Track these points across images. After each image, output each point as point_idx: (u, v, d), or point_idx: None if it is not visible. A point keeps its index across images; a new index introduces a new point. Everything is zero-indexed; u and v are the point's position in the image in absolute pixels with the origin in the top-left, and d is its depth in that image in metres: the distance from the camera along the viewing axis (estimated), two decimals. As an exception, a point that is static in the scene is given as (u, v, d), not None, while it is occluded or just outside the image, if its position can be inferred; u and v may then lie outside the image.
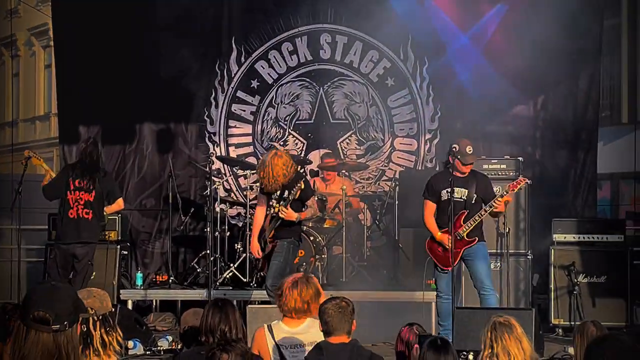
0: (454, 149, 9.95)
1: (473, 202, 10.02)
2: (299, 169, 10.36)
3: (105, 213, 10.88)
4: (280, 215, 9.99)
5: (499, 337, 5.68)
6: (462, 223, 9.94)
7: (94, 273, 11.82)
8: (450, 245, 9.79)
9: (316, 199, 11.42)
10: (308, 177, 12.75)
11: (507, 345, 5.64)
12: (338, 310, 6.04)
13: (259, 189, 10.71)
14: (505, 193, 9.96)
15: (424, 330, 6.54)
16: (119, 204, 11.01)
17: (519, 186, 10.05)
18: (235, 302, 11.52)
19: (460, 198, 9.97)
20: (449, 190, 9.83)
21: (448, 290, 9.95)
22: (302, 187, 9.94)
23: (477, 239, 9.99)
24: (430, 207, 10.12)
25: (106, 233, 12.37)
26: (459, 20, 13.18)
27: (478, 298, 10.10)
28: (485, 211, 9.94)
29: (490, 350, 5.68)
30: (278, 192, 10.10)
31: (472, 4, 13.30)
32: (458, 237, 9.91)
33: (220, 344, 4.85)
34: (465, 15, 13.18)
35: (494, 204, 9.89)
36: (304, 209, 10.12)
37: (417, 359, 5.79)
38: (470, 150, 9.95)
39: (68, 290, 3.68)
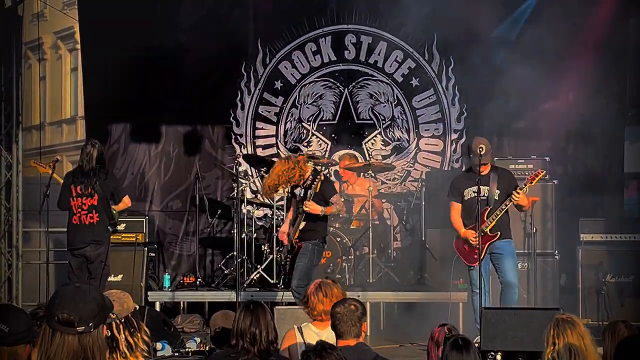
0: (470, 146, 10.08)
1: (496, 197, 10.08)
2: (322, 169, 10.35)
3: (114, 211, 10.87)
4: (305, 208, 10.01)
5: (562, 334, 5.65)
6: (484, 219, 10.01)
7: (120, 275, 11.94)
8: (475, 242, 9.87)
9: (342, 200, 11.42)
10: (333, 178, 12.77)
11: (570, 342, 5.62)
12: (347, 313, 6.06)
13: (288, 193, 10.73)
14: (524, 186, 10.02)
15: (457, 330, 6.53)
16: (125, 202, 10.96)
17: (536, 178, 10.06)
18: (262, 304, 11.55)
19: (483, 195, 10.01)
20: (471, 189, 9.99)
21: (483, 285, 9.97)
22: (318, 186, 9.99)
23: (499, 233, 10.03)
24: (456, 207, 10.23)
25: (134, 235, 12.46)
26: (485, 20, 13.12)
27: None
28: (506, 205, 10.02)
29: (553, 347, 5.66)
30: (302, 193, 10.15)
31: (500, 3, 13.24)
32: (482, 233, 9.95)
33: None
34: (492, 14, 13.11)
35: (513, 197, 9.96)
36: (328, 205, 10.15)
37: (440, 359, 5.78)
38: (481, 150, 9.94)
39: (92, 292, 3.68)
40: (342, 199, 11.52)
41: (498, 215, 10.01)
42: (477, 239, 9.81)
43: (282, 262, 10.78)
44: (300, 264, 10.10)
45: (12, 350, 3.74)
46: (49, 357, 3.52)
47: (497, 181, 10.12)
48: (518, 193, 9.96)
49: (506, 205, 10.03)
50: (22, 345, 3.78)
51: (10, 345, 3.74)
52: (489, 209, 10.03)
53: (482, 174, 10.04)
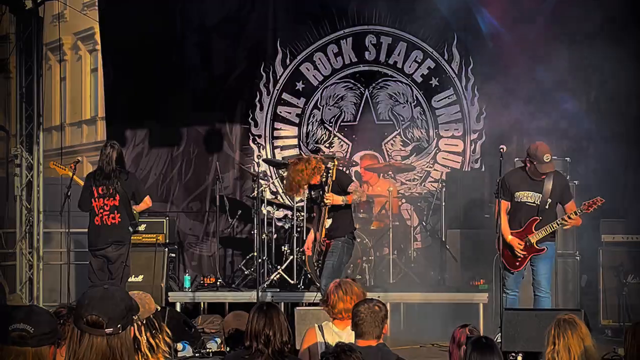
0: (531, 151, 9.67)
1: (547, 207, 9.73)
2: (331, 165, 10.17)
3: (135, 212, 10.88)
4: (326, 201, 9.86)
5: (562, 335, 5.63)
6: (533, 230, 9.71)
7: (140, 276, 11.99)
8: (520, 252, 9.67)
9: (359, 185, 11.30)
10: (353, 178, 12.74)
11: (570, 342, 5.60)
12: (370, 313, 6.03)
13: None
14: (579, 212, 9.66)
15: (478, 331, 6.51)
16: (146, 202, 10.95)
17: (594, 206, 9.65)
18: (282, 304, 11.57)
19: (534, 203, 9.73)
20: (523, 193, 9.68)
21: (515, 287, 9.83)
22: (334, 173, 9.84)
23: (546, 248, 9.71)
24: (504, 206, 9.81)
25: (155, 236, 12.48)
26: (504, 19, 13.08)
27: (531, 298, 9.99)
28: (558, 224, 9.73)
29: (552, 347, 5.65)
30: (320, 192, 10.07)
31: (518, 2, 13.19)
32: (528, 244, 9.70)
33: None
34: (511, 13, 13.07)
35: (566, 220, 9.67)
36: (348, 194, 10.02)
37: (462, 359, 5.77)
38: (547, 159, 9.58)
39: (120, 293, 3.71)
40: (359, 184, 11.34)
41: (547, 231, 9.66)
42: (520, 246, 9.63)
43: (315, 267, 10.60)
44: (329, 262, 9.90)
45: (37, 351, 3.75)
46: (78, 358, 3.54)
47: (552, 188, 9.73)
48: (571, 217, 9.63)
49: (558, 225, 9.71)
50: (47, 346, 3.79)
51: (35, 346, 3.75)
52: (539, 220, 9.70)
53: (538, 179, 9.75)
